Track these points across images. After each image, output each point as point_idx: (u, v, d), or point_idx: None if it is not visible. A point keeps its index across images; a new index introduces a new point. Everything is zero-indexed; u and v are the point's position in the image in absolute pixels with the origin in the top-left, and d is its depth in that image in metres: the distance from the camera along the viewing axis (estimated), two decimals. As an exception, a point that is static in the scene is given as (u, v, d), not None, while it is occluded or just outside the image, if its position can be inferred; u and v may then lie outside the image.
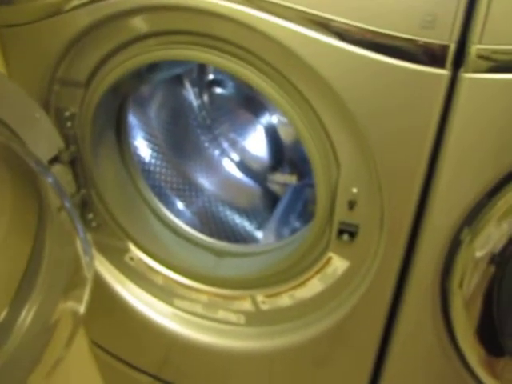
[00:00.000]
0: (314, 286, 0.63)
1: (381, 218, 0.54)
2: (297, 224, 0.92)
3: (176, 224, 0.77)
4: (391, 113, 0.48)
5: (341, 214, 0.56)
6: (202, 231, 0.79)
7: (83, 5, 0.56)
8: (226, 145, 1.03)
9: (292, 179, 1.02)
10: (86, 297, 0.58)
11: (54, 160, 0.64)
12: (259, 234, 0.95)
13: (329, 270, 0.61)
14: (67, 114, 0.64)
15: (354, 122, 0.50)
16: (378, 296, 0.60)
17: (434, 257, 0.54)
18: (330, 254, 0.60)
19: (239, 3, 0.50)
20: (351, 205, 0.55)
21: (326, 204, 0.56)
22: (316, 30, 0.48)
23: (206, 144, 1.02)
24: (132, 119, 0.85)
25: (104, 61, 0.60)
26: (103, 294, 0.76)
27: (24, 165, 0.58)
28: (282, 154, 1.03)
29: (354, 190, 0.54)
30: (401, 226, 0.53)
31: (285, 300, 0.66)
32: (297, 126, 0.54)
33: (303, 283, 0.64)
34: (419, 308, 0.58)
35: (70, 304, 0.60)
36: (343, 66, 0.48)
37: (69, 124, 0.65)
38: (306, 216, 0.94)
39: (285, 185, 1.02)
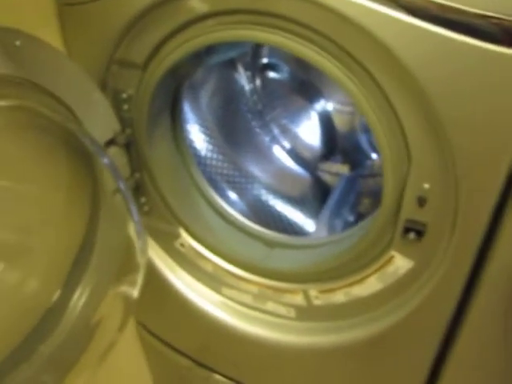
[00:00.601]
0: (371, 285, 0.60)
1: (453, 218, 0.50)
2: (349, 217, 0.88)
3: (227, 211, 0.76)
4: (475, 100, 0.44)
5: (408, 211, 0.52)
6: (252, 220, 0.77)
7: (143, -16, 0.54)
8: (276, 131, 1.01)
9: (344, 169, 0.98)
10: (139, 281, 0.57)
11: (110, 142, 0.63)
12: (310, 226, 0.92)
13: (390, 269, 0.57)
14: (124, 96, 0.63)
15: (430, 108, 0.46)
16: (441, 301, 0.56)
17: (509, 266, 0.49)
18: (393, 253, 0.56)
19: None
20: (421, 202, 0.51)
21: (393, 199, 0.53)
22: (387, 5, 0.44)
23: (257, 130, 1.00)
24: (185, 104, 0.83)
25: (163, 42, 0.59)
26: (152, 278, 0.76)
27: (80, 146, 0.57)
28: (335, 143, 1.00)
29: (426, 186, 0.50)
30: (475, 229, 0.49)
31: (339, 297, 0.63)
32: (365, 111, 0.51)
33: (360, 281, 0.60)
34: (487, 319, 0.54)
35: (123, 288, 0.59)
36: (420, 45, 0.44)
37: (125, 106, 0.64)
38: (359, 208, 0.90)
39: (336, 174, 0.98)
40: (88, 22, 0.60)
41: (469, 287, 0.54)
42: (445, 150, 0.47)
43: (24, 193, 0.61)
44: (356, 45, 0.49)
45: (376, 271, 0.59)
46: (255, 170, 0.96)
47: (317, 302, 0.66)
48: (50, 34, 0.59)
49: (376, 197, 0.91)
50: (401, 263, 0.56)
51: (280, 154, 1.00)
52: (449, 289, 0.55)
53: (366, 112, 0.51)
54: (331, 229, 0.82)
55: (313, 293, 0.65)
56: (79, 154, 0.60)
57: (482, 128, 0.45)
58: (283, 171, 1.00)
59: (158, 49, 0.59)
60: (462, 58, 0.43)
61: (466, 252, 0.51)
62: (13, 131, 0.54)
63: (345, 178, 0.96)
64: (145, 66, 0.61)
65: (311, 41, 0.51)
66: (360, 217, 0.88)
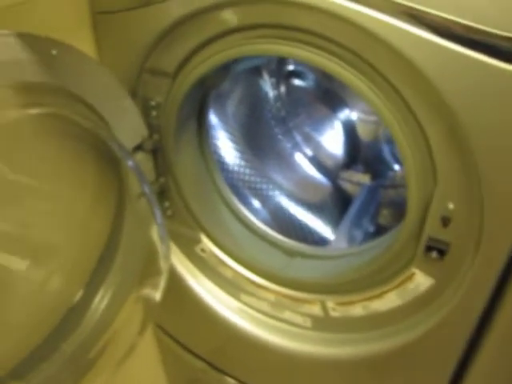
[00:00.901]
0: (390, 300, 0.60)
1: (477, 240, 0.49)
2: (369, 227, 0.88)
3: (248, 219, 0.76)
4: (499, 117, 0.44)
5: (432, 230, 0.52)
6: (273, 228, 0.77)
7: (177, -4, 0.55)
8: (299, 138, 1.01)
9: (365, 179, 0.98)
10: (162, 284, 0.58)
11: (138, 148, 0.64)
12: (330, 235, 0.92)
13: (410, 285, 0.57)
14: (153, 103, 0.64)
15: (455, 123, 0.46)
16: (462, 320, 0.55)
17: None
18: (414, 270, 0.56)
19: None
20: (445, 221, 0.50)
21: (417, 215, 0.52)
22: (412, 23, 0.44)
23: (280, 136, 1.00)
24: (211, 110, 0.84)
25: (193, 53, 0.60)
26: (172, 282, 0.77)
27: (109, 150, 0.58)
28: (358, 152, 0.99)
29: (451, 206, 0.50)
30: (500, 249, 0.48)
31: (357, 310, 0.63)
32: (389, 124, 0.51)
33: (379, 295, 0.60)
34: (509, 339, 0.53)
35: (145, 291, 0.60)
36: (444, 63, 0.44)
37: (154, 113, 0.65)
38: (378, 219, 0.90)
39: (357, 184, 0.98)
40: (121, 31, 0.61)
41: (491, 306, 0.54)
42: (470, 167, 0.47)
43: (52, 193, 0.63)
44: (380, 59, 0.49)
45: (396, 287, 0.59)
46: (277, 176, 0.96)
47: (334, 314, 0.66)
48: (85, 43, 0.61)
49: (396, 208, 0.91)
50: (422, 280, 0.56)
51: (302, 161, 1.00)
52: (470, 307, 0.54)
53: (391, 124, 0.51)
54: (351, 239, 0.82)
55: (330, 304, 0.65)
56: (107, 157, 0.62)
57: (507, 145, 0.45)
58: (304, 178, 1.00)
59: (188, 59, 0.60)
60: (484, 76, 0.43)
61: (489, 272, 0.51)
62: (46, 136, 0.56)
63: (366, 187, 0.95)
64: (175, 75, 0.62)
65: (336, 55, 0.52)
66: (379, 228, 0.88)
